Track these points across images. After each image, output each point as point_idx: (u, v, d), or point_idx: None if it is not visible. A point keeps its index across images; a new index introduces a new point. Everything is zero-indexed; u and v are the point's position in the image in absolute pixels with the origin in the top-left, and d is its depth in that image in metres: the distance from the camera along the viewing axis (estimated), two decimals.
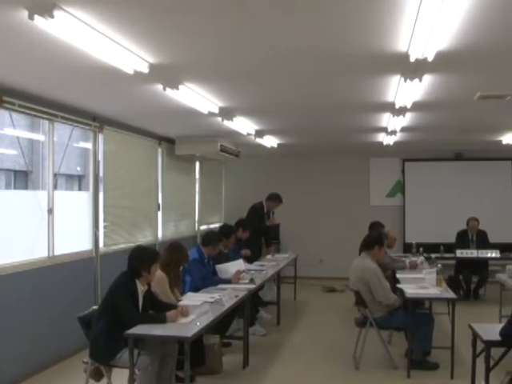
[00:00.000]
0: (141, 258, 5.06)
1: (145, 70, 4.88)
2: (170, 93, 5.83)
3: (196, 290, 6.43)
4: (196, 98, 6.29)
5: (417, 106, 6.92)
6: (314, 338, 7.78)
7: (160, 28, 4.05)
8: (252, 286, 6.78)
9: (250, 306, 6.81)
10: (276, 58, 4.91)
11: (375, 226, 8.56)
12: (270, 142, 10.62)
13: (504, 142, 10.75)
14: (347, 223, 12.42)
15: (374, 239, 6.80)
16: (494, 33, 4.16)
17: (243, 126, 8.55)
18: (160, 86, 5.69)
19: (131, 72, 4.92)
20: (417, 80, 5.35)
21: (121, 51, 4.37)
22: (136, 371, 4.67)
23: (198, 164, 11.74)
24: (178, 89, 5.69)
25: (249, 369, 6.39)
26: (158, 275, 5.42)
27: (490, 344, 4.38)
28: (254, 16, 3.81)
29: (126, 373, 4.65)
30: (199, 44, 4.48)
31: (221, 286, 6.61)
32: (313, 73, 5.48)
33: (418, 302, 6.97)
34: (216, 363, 6.13)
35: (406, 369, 6.09)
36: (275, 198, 10.01)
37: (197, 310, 5.23)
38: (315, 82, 5.88)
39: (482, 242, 10.50)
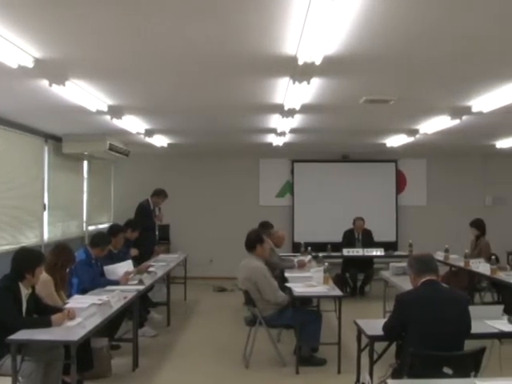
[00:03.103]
0: (25, 260, 4.89)
1: (29, 64, 4.71)
2: (56, 89, 5.65)
3: (83, 292, 6.27)
4: (84, 95, 6.12)
5: (305, 108, 7.06)
6: (204, 337, 7.78)
7: (46, 22, 3.92)
8: (141, 287, 6.69)
9: (139, 308, 6.72)
10: (165, 57, 4.88)
11: (264, 226, 8.65)
12: (160, 141, 10.52)
13: (388, 145, 11.19)
14: (237, 223, 12.44)
15: (253, 239, 6.85)
16: (379, 40, 4.33)
17: (133, 124, 8.42)
18: (46, 82, 5.50)
19: (15, 66, 4.72)
20: (305, 83, 5.46)
21: (4, 44, 4.19)
22: (19, 379, 4.48)
23: (86, 163, 11.44)
24: (64, 85, 5.52)
25: (138, 371, 6.30)
26: (43, 278, 5.24)
27: (373, 339, 4.53)
28: (140, 15, 3.77)
29: (8, 381, 4.45)
30: (86, 40, 4.38)
31: (109, 287, 6.47)
32: (202, 73, 5.48)
33: (306, 300, 7.13)
34: (105, 367, 6.00)
35: (295, 365, 6.22)
36: (160, 193, 9.96)
37: (84, 312, 5.10)
38: (205, 82, 5.88)
39: (368, 240, 10.90)
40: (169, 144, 11.08)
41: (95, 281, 6.62)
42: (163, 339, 7.61)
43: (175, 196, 11.62)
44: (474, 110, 7.07)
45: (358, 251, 10.39)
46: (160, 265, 8.56)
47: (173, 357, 6.86)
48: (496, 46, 4.59)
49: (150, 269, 7.81)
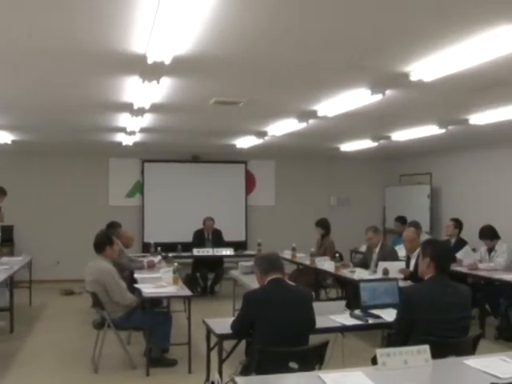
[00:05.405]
0: None
1: None
2: None
3: None
4: None
5: (156, 108, 7.04)
6: (50, 343, 7.50)
7: None
8: None
9: None
10: (7, 50, 4.66)
11: (112, 226, 8.52)
12: (3, 138, 10.01)
13: (238, 146, 11.40)
14: (86, 223, 12.08)
15: (102, 240, 6.71)
16: (229, 42, 4.40)
17: None
18: None
19: None
20: (155, 82, 5.45)
21: None
22: None
23: None
24: None
25: None
26: None
27: (222, 337, 4.59)
28: None
29: None
30: None
31: None
32: (47, 68, 5.30)
33: (155, 301, 7.07)
34: None
35: (146, 367, 6.17)
36: None
37: None
38: (50, 78, 5.69)
39: (218, 240, 11.06)
40: (13, 141, 10.56)
41: None
42: (6, 347, 7.25)
43: (20, 196, 11.18)
44: (320, 114, 7.37)
45: (208, 251, 10.52)
46: (2, 268, 8.16)
47: (16, 365, 6.55)
48: (340, 55, 4.82)
49: None
